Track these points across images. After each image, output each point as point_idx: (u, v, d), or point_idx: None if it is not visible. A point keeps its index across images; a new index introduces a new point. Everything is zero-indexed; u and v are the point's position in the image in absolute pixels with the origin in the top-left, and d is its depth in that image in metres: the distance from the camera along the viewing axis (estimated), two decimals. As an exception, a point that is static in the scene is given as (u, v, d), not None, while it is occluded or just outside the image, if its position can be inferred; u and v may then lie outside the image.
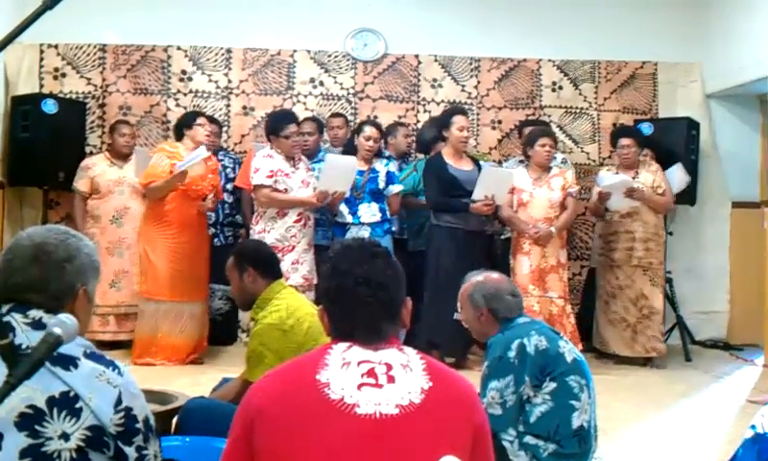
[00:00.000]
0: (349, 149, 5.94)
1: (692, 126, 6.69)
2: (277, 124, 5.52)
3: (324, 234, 5.87)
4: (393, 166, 5.97)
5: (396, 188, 5.85)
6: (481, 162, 6.04)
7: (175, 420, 3.14)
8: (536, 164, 5.84)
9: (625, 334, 6.04)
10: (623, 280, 6.05)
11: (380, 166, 5.84)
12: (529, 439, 2.82)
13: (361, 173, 5.69)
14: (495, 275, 3.16)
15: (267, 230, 5.40)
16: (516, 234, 5.83)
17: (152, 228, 5.67)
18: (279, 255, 5.16)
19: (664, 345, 6.15)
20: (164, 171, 5.53)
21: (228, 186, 6.44)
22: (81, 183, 6.21)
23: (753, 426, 1.75)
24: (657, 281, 6.08)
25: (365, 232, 5.62)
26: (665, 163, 6.24)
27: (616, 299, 6.08)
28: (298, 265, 5.40)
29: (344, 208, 5.72)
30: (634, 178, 5.99)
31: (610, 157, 6.85)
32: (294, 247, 5.42)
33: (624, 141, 6.09)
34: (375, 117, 6.83)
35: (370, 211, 5.75)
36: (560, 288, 5.66)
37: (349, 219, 5.72)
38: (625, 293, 6.04)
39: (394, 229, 6.00)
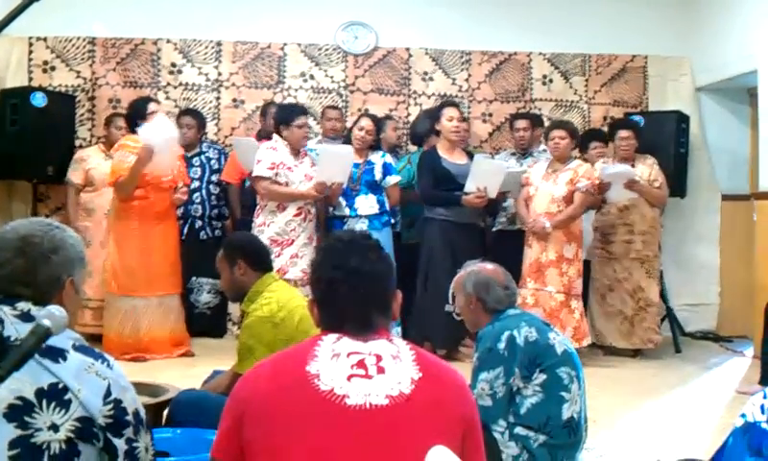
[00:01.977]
0: (347, 142, 5.95)
1: (682, 119, 6.70)
2: (290, 114, 5.52)
3: None
4: (389, 158, 5.96)
5: (393, 179, 5.84)
6: (473, 153, 6.05)
7: (166, 412, 3.15)
8: (552, 158, 5.82)
9: (622, 327, 6.05)
10: (621, 273, 6.04)
11: (376, 158, 5.83)
12: (519, 430, 2.83)
13: (357, 165, 5.69)
14: (491, 266, 3.17)
15: (267, 224, 5.39)
16: (526, 227, 5.81)
17: (123, 223, 5.58)
18: (278, 249, 5.22)
19: (660, 336, 6.16)
20: (129, 169, 5.42)
21: (214, 178, 6.43)
22: (75, 175, 6.18)
23: (743, 415, 1.75)
24: (653, 274, 6.09)
25: (362, 225, 5.60)
26: (655, 157, 6.23)
27: (614, 291, 6.08)
28: (297, 259, 5.36)
29: (341, 201, 5.72)
30: None
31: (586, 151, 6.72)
32: (293, 241, 5.39)
33: (623, 133, 6.08)
34: (366, 110, 6.82)
35: (367, 203, 5.73)
36: (559, 283, 5.57)
37: (347, 211, 5.72)
38: (623, 285, 6.04)
39: (393, 221, 5.99)
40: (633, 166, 6.02)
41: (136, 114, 5.68)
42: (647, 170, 6.06)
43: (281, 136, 5.50)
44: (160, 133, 5.44)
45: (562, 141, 5.71)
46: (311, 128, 6.66)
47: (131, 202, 5.55)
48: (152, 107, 5.71)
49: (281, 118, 5.55)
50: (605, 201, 6.00)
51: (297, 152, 5.52)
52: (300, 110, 5.64)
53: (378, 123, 6.01)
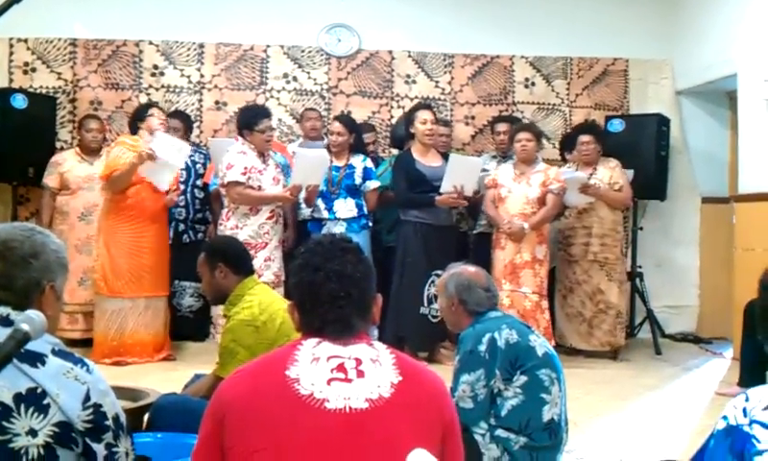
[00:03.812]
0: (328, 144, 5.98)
1: (663, 122, 6.76)
2: (252, 118, 5.45)
3: None
4: (370, 163, 5.97)
5: (373, 184, 5.86)
6: (449, 154, 6.07)
7: (146, 416, 3.13)
8: (518, 160, 5.85)
9: (581, 328, 6.11)
10: (580, 275, 6.10)
11: (357, 162, 5.84)
12: (500, 432, 2.84)
13: (337, 169, 5.69)
14: (473, 268, 3.17)
15: (240, 227, 5.33)
16: (496, 229, 5.84)
17: (115, 222, 5.57)
18: (252, 252, 5.15)
19: (618, 339, 6.15)
20: (126, 164, 5.44)
21: (199, 182, 6.40)
22: (50, 179, 6.14)
23: (725, 418, 1.74)
24: (614, 277, 6.12)
25: (340, 228, 5.62)
26: (636, 159, 6.29)
27: (573, 293, 6.13)
28: (270, 262, 5.35)
29: (320, 204, 5.71)
30: (591, 174, 6.03)
31: (564, 157, 6.73)
32: (266, 244, 5.36)
33: (584, 138, 6.14)
34: (349, 112, 6.83)
35: (346, 207, 5.75)
36: (533, 284, 5.62)
37: (325, 214, 5.72)
38: (582, 288, 6.10)
39: (371, 224, 6.01)
40: (594, 170, 6.07)
41: (137, 118, 5.73)
42: (608, 173, 6.10)
43: (245, 140, 5.44)
44: (170, 151, 5.46)
45: (528, 144, 5.74)
46: (291, 129, 6.68)
47: (124, 201, 5.54)
48: (152, 111, 5.74)
49: (244, 122, 5.46)
50: (565, 205, 6.04)
51: (262, 155, 5.46)
52: (262, 113, 5.54)
53: (351, 124, 6.01)
